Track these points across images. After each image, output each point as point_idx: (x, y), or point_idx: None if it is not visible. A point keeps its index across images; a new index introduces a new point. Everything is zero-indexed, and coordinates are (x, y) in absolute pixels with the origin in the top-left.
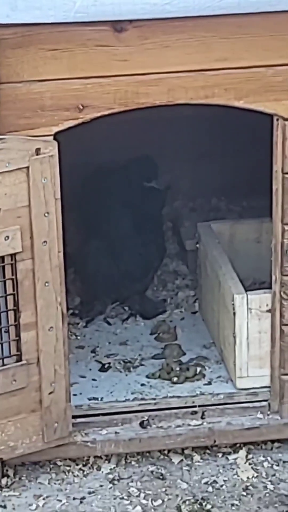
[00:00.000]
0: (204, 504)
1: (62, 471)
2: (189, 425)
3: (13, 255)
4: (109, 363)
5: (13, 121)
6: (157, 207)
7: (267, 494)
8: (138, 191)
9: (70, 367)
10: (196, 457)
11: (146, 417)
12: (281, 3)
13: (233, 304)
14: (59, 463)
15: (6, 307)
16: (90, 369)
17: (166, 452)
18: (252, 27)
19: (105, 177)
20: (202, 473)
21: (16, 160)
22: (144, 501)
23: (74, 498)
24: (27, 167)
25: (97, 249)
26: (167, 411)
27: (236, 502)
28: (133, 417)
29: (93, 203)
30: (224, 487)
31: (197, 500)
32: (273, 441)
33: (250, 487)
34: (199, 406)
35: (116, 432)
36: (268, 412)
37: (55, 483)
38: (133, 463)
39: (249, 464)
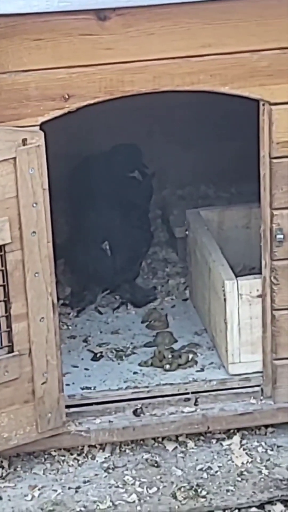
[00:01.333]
0: (199, 490)
1: (56, 461)
2: (182, 412)
3: (2, 246)
4: (101, 352)
5: None
6: (143, 195)
7: (262, 479)
8: (123, 179)
9: (62, 357)
10: (190, 443)
11: (140, 405)
12: None
13: (223, 290)
14: (53, 453)
15: None
16: (82, 359)
17: (160, 439)
18: (236, 13)
19: (91, 167)
20: (197, 460)
21: (3, 151)
22: (139, 489)
23: (69, 488)
24: (14, 158)
25: (85, 239)
26: (160, 399)
27: (231, 488)
28: (127, 405)
29: (79, 193)
30: (218, 473)
31: (192, 486)
32: (266, 426)
33: (245, 473)
34: (192, 393)
35: (109, 421)
36: (261, 397)
37: (50, 473)
38: (127, 451)
39: (243, 449)
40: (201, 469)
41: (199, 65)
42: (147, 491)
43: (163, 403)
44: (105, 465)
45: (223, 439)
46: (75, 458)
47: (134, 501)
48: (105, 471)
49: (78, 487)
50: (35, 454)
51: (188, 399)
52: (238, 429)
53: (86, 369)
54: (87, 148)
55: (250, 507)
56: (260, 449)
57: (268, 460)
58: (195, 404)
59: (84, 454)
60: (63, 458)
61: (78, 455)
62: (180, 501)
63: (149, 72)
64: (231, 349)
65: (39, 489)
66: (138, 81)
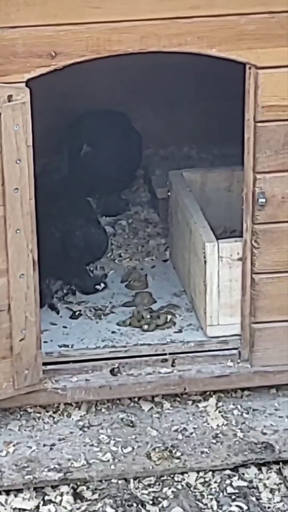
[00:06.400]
0: (174, 451)
1: (32, 418)
2: (159, 372)
3: None
4: (80, 310)
5: None
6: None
7: (237, 442)
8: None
9: (41, 314)
10: (166, 404)
11: (117, 365)
12: None
13: (204, 252)
14: (29, 410)
15: None
16: (61, 317)
17: (136, 399)
18: None
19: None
20: (172, 421)
21: None
22: (114, 448)
23: (44, 445)
24: None
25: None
26: (137, 359)
27: (206, 450)
28: (104, 364)
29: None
30: (194, 434)
31: (167, 447)
32: (243, 389)
33: (220, 435)
34: (170, 354)
35: (86, 379)
36: (238, 360)
37: (25, 430)
38: (103, 410)
39: (219, 412)
40: (176, 430)
41: (187, 27)
42: (122, 451)
43: (140, 363)
44: (81, 423)
45: (199, 401)
46: (50, 416)
47: (108, 460)
48: (80, 429)
49: (53, 445)
50: (11, 411)
51: (166, 360)
52: (215, 391)
53: (65, 327)
54: (71, 107)
55: (224, 469)
56: (235, 412)
57: (244, 423)
58: (172, 365)
59: (59, 412)
60: (38, 415)
61: (54, 412)
62: (154, 461)
63: (136, 32)
64: (209, 311)
65: (14, 445)
66: (125, 40)
